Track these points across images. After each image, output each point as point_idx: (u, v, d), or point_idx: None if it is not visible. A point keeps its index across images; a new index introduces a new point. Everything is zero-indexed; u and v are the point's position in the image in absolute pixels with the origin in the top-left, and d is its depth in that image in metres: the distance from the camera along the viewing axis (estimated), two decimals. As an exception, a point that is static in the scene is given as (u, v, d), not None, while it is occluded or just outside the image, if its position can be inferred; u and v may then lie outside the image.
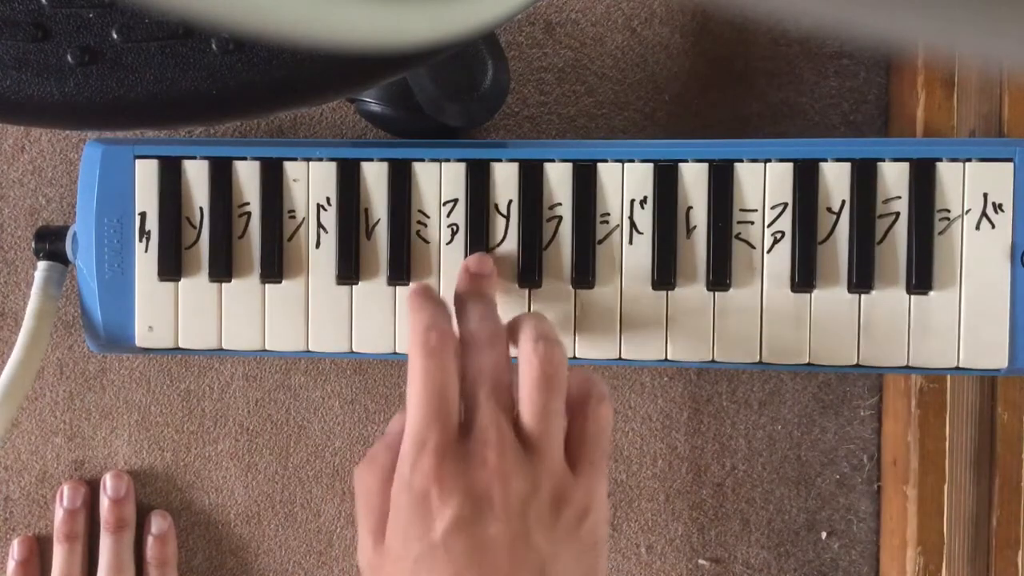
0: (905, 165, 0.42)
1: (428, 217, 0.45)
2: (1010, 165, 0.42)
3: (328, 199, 0.45)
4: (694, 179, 0.43)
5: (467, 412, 0.35)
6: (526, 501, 0.34)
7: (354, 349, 0.45)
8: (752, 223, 0.43)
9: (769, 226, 0.43)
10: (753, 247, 0.43)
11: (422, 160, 0.44)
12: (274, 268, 0.45)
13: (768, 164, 0.43)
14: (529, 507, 0.34)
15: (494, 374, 0.36)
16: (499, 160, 0.44)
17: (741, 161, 0.43)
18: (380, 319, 0.45)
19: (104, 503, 0.50)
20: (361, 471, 0.36)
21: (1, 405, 0.43)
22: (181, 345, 0.46)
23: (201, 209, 0.45)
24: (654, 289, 0.44)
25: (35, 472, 0.52)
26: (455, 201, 0.44)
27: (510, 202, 0.44)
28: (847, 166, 0.43)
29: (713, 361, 0.44)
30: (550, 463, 0.35)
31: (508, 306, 0.44)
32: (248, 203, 0.45)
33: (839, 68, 0.49)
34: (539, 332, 0.36)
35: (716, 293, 0.43)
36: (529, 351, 0.36)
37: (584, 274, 0.44)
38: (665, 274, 0.43)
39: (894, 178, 0.42)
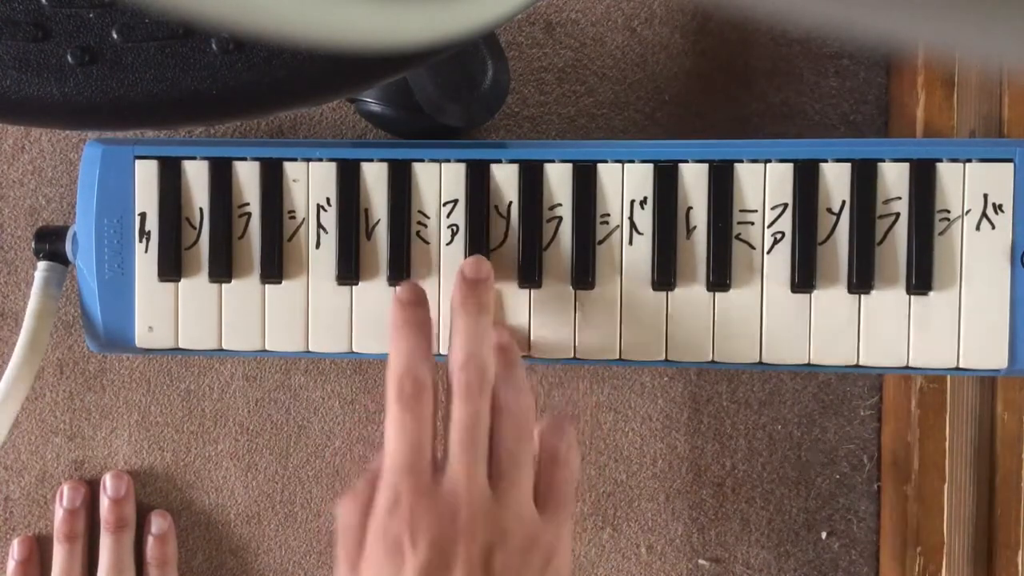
0: (905, 165, 0.42)
1: (428, 217, 0.45)
2: (1010, 165, 0.42)
3: (328, 199, 0.45)
4: (694, 179, 0.43)
5: (445, 455, 0.37)
6: (492, 549, 0.36)
7: (354, 349, 0.45)
8: (752, 223, 0.43)
9: (769, 226, 0.43)
10: (753, 247, 0.43)
11: (422, 160, 0.44)
12: (274, 268, 0.45)
13: (768, 164, 0.43)
14: (495, 555, 0.36)
15: (472, 425, 0.37)
16: (499, 160, 0.44)
17: (741, 161, 0.43)
18: (380, 319, 0.45)
19: (104, 503, 0.50)
20: (345, 505, 0.38)
21: (2, 405, 0.43)
22: (181, 345, 0.46)
23: (201, 209, 0.45)
24: (654, 289, 0.44)
25: (35, 472, 0.52)
26: (455, 201, 0.44)
27: (510, 203, 0.44)
28: (847, 166, 0.43)
29: (713, 361, 0.44)
30: (518, 509, 0.37)
31: (510, 307, 0.44)
32: (248, 203, 0.45)
33: (839, 68, 0.49)
34: (513, 386, 0.38)
35: (716, 293, 0.43)
36: (501, 403, 0.38)
37: (584, 274, 0.44)
38: (665, 274, 0.43)
39: (894, 178, 0.42)
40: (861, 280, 0.42)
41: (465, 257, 0.44)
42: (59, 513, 0.50)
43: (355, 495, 0.38)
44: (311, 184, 0.45)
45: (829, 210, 0.43)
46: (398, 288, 0.41)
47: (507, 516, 0.36)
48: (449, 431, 0.37)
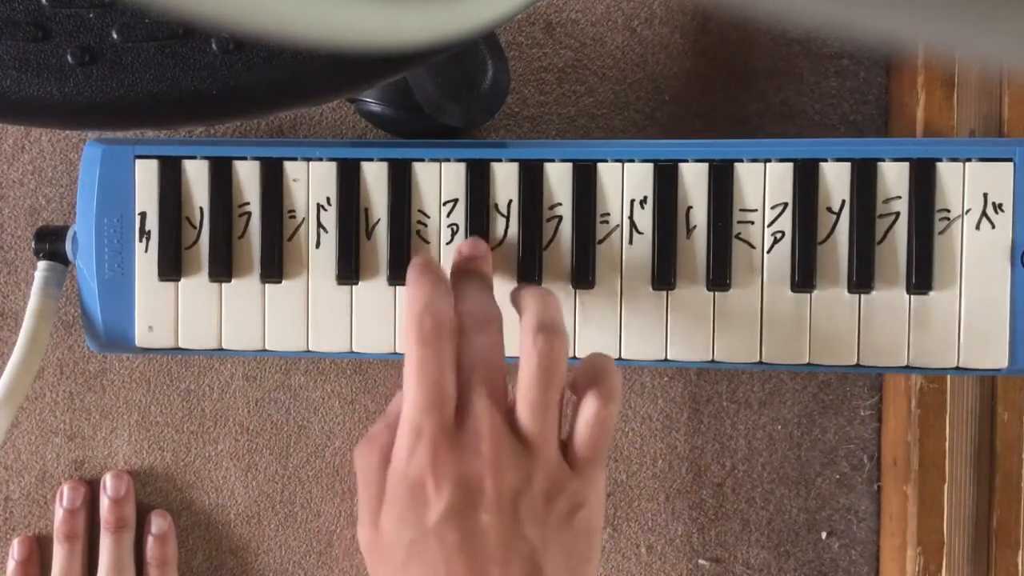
0: (905, 165, 0.42)
1: (428, 217, 0.45)
2: (1010, 165, 0.42)
3: (328, 199, 0.45)
4: (694, 179, 0.43)
5: (461, 398, 0.36)
6: (518, 493, 0.34)
7: (354, 349, 0.45)
8: (752, 223, 0.43)
9: (769, 226, 0.43)
10: (753, 247, 0.43)
11: (422, 160, 0.44)
12: (274, 268, 0.45)
13: (768, 164, 0.43)
14: (521, 499, 0.34)
15: (487, 361, 0.36)
16: (499, 160, 0.44)
17: (741, 161, 0.43)
18: (380, 319, 0.45)
19: (104, 503, 0.50)
20: (361, 450, 0.37)
21: (1, 406, 0.43)
22: (181, 345, 0.46)
23: (201, 209, 0.45)
24: (654, 289, 0.44)
25: (35, 472, 0.52)
26: (455, 201, 0.44)
27: (510, 202, 0.44)
28: (847, 166, 0.43)
29: (713, 361, 0.44)
30: (544, 455, 0.35)
31: (511, 307, 0.44)
32: (248, 203, 0.45)
33: (839, 68, 0.49)
34: (540, 321, 0.36)
35: (716, 293, 0.43)
36: (528, 344, 0.36)
37: (584, 274, 0.44)
38: (665, 274, 0.43)
39: (894, 178, 0.42)
40: (861, 280, 0.42)
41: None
42: (59, 513, 0.50)
43: (372, 439, 0.37)
44: (311, 184, 0.45)
45: (829, 209, 0.43)
46: (413, 259, 0.40)
47: (532, 461, 0.35)
48: (465, 372, 0.36)
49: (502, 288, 0.44)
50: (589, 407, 0.36)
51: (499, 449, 0.34)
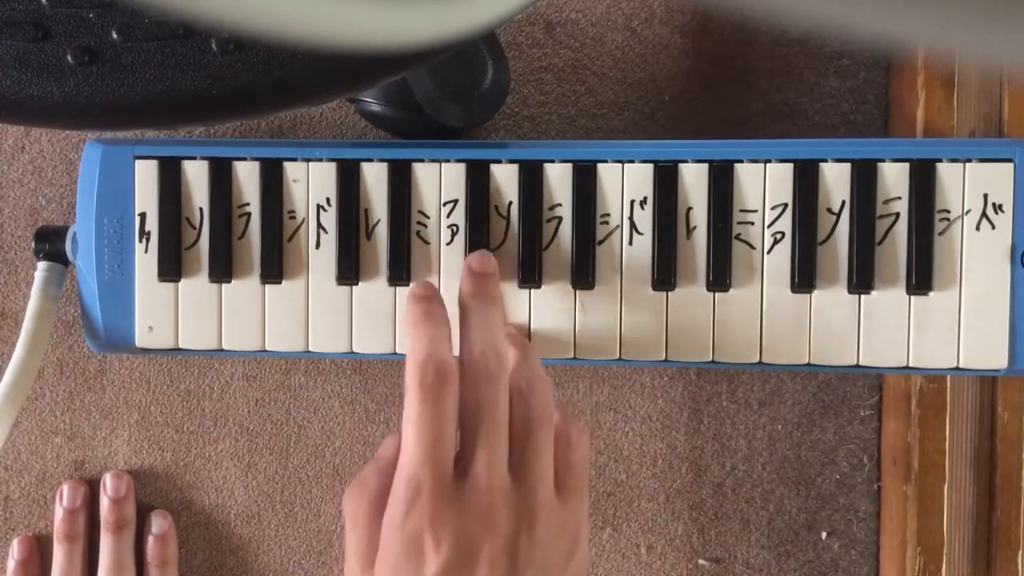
0: (905, 165, 0.42)
1: (428, 217, 0.45)
2: (1010, 165, 0.42)
3: (328, 199, 0.45)
4: (694, 179, 0.43)
5: (462, 448, 0.36)
6: (516, 542, 0.34)
7: (354, 349, 0.45)
8: (752, 223, 0.43)
9: (769, 226, 0.43)
10: (753, 247, 0.43)
11: (422, 160, 0.44)
12: (274, 269, 0.45)
13: (768, 164, 0.43)
14: (519, 547, 0.34)
15: (493, 411, 0.36)
16: (499, 161, 0.44)
17: (741, 161, 0.43)
18: (380, 319, 0.45)
19: (104, 503, 0.50)
20: (352, 494, 0.37)
21: (3, 407, 0.43)
22: (181, 345, 0.46)
23: (201, 210, 0.45)
24: (654, 289, 0.44)
25: (35, 472, 0.52)
26: (455, 202, 0.44)
27: (510, 203, 0.44)
28: (847, 166, 0.43)
29: (713, 361, 0.44)
30: (542, 497, 0.35)
31: (510, 307, 0.44)
32: (248, 203, 0.45)
33: (839, 68, 0.49)
34: (528, 372, 0.37)
35: (716, 293, 0.43)
36: (520, 393, 0.36)
37: (584, 274, 0.44)
38: (665, 274, 0.43)
39: (894, 178, 0.42)
40: (861, 280, 0.42)
41: (465, 257, 0.44)
42: (59, 513, 0.50)
43: (363, 485, 0.36)
44: (311, 184, 0.45)
45: (829, 210, 0.43)
46: (412, 286, 0.40)
47: (531, 505, 0.35)
48: (468, 421, 0.35)
49: (504, 289, 0.44)
50: (569, 439, 0.37)
51: (498, 503, 0.34)
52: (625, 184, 0.44)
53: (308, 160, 0.45)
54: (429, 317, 0.37)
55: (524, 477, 0.35)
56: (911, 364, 0.42)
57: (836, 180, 0.43)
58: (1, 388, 0.43)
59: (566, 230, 0.44)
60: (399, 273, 0.44)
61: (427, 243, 0.45)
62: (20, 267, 0.52)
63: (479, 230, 0.44)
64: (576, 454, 0.37)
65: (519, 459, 0.36)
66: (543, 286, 0.44)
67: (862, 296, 0.43)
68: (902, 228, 0.42)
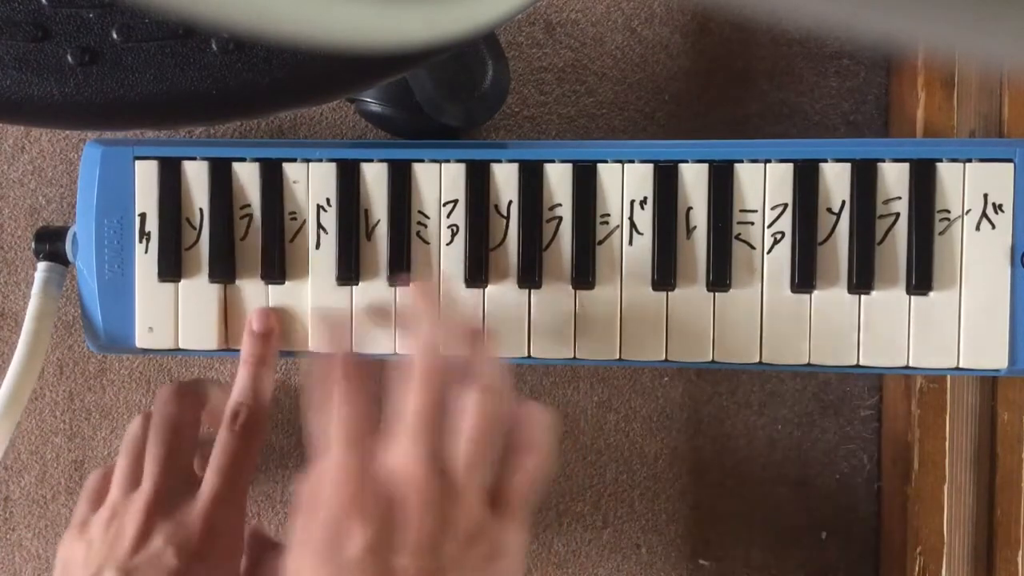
0: (905, 165, 0.42)
1: (428, 218, 0.45)
2: (1010, 165, 0.42)
3: (328, 200, 0.45)
4: (694, 179, 0.43)
5: (395, 445, 0.37)
6: (439, 538, 0.35)
7: (354, 349, 0.45)
8: (752, 223, 0.43)
9: (769, 226, 0.43)
10: (753, 247, 0.43)
11: (422, 160, 0.44)
12: (275, 269, 0.45)
13: (768, 164, 0.43)
14: (442, 545, 0.35)
15: (427, 416, 0.37)
16: (499, 160, 0.44)
17: (741, 161, 0.43)
18: (380, 320, 0.45)
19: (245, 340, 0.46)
20: (299, 481, 0.38)
21: (4, 410, 0.43)
22: (181, 346, 0.46)
23: (201, 210, 0.45)
24: (654, 289, 0.44)
25: (35, 472, 0.52)
26: (455, 202, 0.44)
27: (510, 203, 0.44)
28: (847, 166, 0.43)
29: (713, 361, 0.44)
30: (468, 503, 0.36)
31: (510, 307, 0.44)
32: (248, 204, 0.45)
33: (839, 68, 0.49)
34: (486, 383, 0.38)
35: (716, 293, 0.43)
36: (471, 401, 0.37)
37: (584, 274, 0.44)
38: (665, 274, 0.43)
39: (894, 178, 0.42)
40: (861, 280, 0.42)
41: (465, 257, 0.44)
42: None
43: (309, 472, 0.38)
44: (311, 184, 0.45)
45: (829, 210, 0.43)
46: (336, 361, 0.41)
47: (456, 509, 0.36)
48: (404, 417, 0.37)
49: (503, 289, 0.44)
50: (521, 461, 0.38)
51: (424, 497, 0.35)
52: (625, 184, 0.44)
53: (308, 161, 0.45)
54: (354, 396, 0.39)
55: (453, 484, 0.36)
56: (911, 364, 0.42)
57: (836, 180, 0.43)
58: (2, 390, 0.43)
59: (566, 230, 0.44)
60: (399, 274, 0.44)
61: (427, 243, 0.45)
62: (20, 267, 0.52)
63: (479, 230, 0.44)
64: (521, 477, 0.38)
65: (452, 466, 0.37)
66: (543, 286, 0.44)
67: (862, 296, 0.43)
68: (902, 228, 0.42)
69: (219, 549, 0.41)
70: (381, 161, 0.45)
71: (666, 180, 0.43)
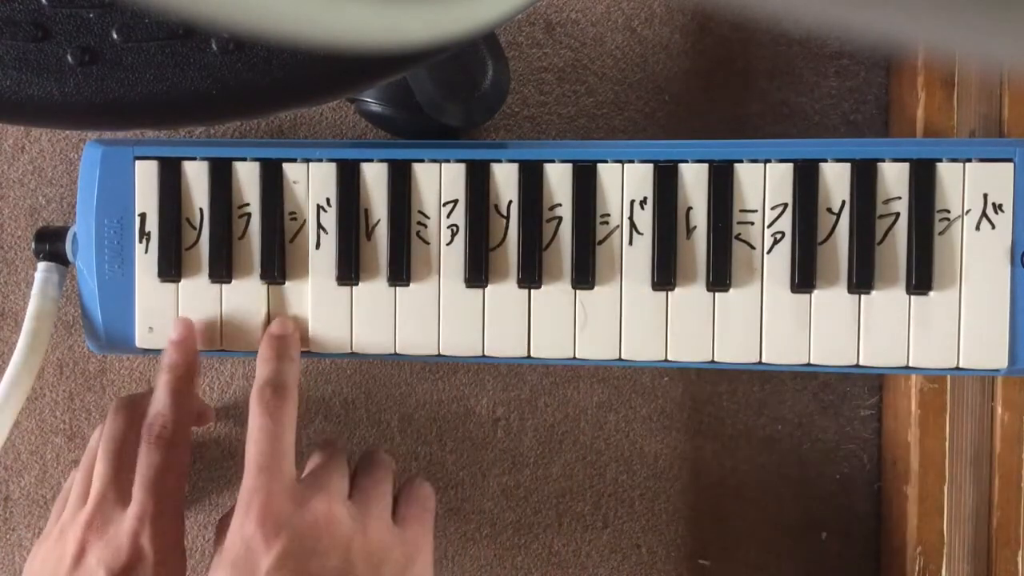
0: (905, 165, 0.42)
1: (428, 218, 0.45)
2: (1010, 165, 0.42)
3: (328, 200, 0.45)
4: (694, 179, 0.43)
5: (310, 464, 0.43)
6: (350, 543, 0.39)
7: (354, 350, 0.45)
8: (752, 223, 0.43)
9: (769, 226, 0.43)
10: (753, 247, 0.43)
11: (422, 160, 0.44)
12: (274, 269, 0.45)
13: (768, 164, 0.43)
14: (352, 549, 0.39)
15: (338, 450, 0.44)
16: (499, 160, 0.44)
17: (741, 161, 0.43)
18: (380, 320, 0.45)
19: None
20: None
21: (3, 407, 0.43)
22: (181, 345, 0.46)
23: (201, 210, 0.45)
24: (654, 289, 0.44)
25: (35, 472, 0.52)
26: (455, 202, 0.44)
27: (510, 203, 0.44)
28: (847, 166, 0.43)
29: (713, 361, 0.44)
30: (377, 514, 0.41)
31: (510, 307, 0.44)
32: (248, 204, 0.45)
33: (839, 68, 0.49)
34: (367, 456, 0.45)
35: (716, 293, 0.43)
36: (369, 461, 0.44)
37: (584, 274, 0.44)
38: (665, 274, 0.43)
39: (894, 178, 0.42)
40: (861, 280, 0.42)
41: (465, 257, 0.44)
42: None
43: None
44: (311, 184, 0.45)
45: (829, 210, 0.43)
46: (272, 324, 0.45)
47: (365, 518, 0.40)
48: (323, 447, 0.43)
49: (503, 289, 0.44)
50: (413, 479, 0.44)
51: (335, 505, 0.39)
52: (625, 184, 0.44)
53: (308, 161, 0.45)
54: (281, 354, 0.43)
55: (362, 500, 0.41)
56: (911, 364, 0.42)
57: (836, 180, 0.43)
58: (1, 388, 0.43)
59: (566, 230, 0.44)
60: (399, 273, 0.44)
61: (427, 243, 0.45)
62: (20, 267, 0.52)
63: (479, 230, 0.44)
64: (416, 491, 0.44)
65: (358, 485, 0.42)
66: (543, 286, 0.44)
67: (862, 296, 0.43)
68: (902, 228, 0.42)
69: (149, 567, 0.41)
70: (381, 161, 0.45)
71: (666, 180, 0.43)
